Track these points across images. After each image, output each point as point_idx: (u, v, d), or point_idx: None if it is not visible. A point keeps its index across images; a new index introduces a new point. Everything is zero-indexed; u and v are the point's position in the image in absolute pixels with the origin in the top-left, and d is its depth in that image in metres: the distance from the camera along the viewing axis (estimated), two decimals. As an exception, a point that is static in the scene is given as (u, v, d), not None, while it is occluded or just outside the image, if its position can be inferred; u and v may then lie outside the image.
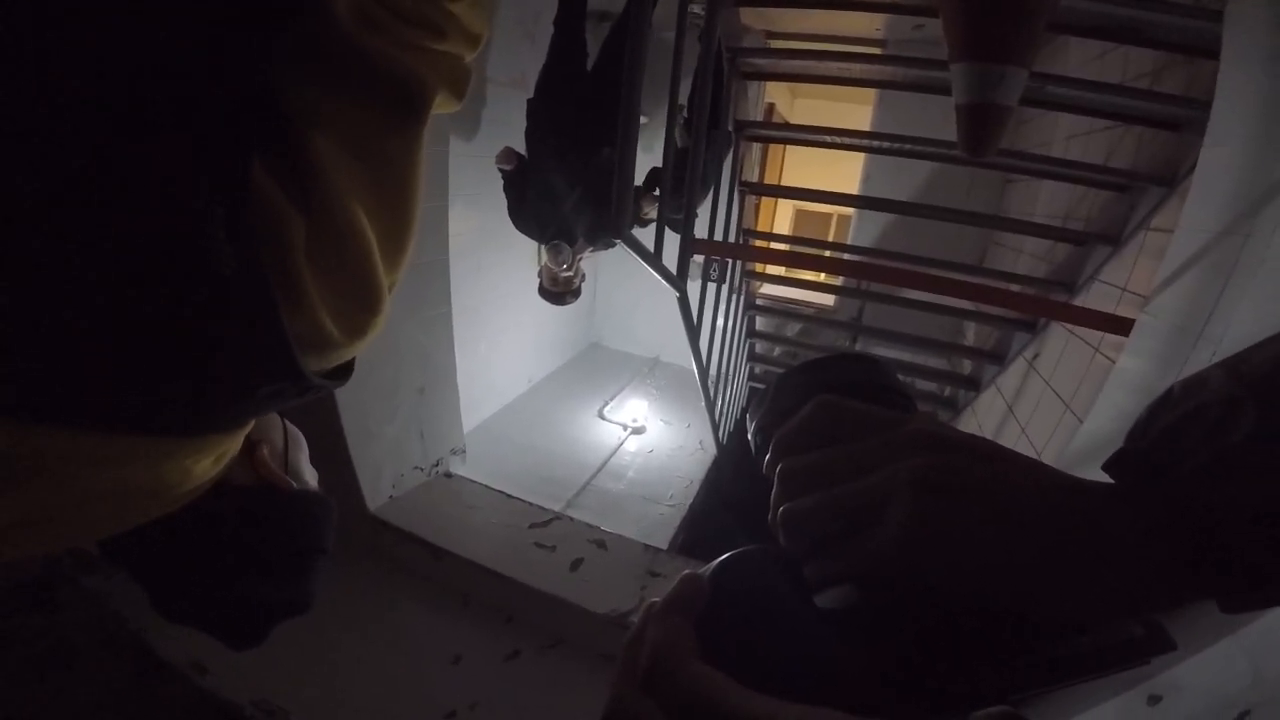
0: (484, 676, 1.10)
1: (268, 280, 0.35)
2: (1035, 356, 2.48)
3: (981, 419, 2.93)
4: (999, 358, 2.89)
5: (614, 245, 1.57)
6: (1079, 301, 2.22)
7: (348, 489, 1.34)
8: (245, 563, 0.56)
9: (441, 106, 0.48)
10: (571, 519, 1.42)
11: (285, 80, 0.36)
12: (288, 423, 0.66)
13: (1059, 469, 0.27)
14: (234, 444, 0.49)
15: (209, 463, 0.45)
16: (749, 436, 0.39)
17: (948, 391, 3.58)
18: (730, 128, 2.47)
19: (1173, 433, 0.25)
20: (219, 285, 0.33)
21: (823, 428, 0.31)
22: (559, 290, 2.86)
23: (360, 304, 0.43)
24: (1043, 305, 2.11)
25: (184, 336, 0.34)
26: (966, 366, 3.44)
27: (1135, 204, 2.02)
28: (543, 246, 2.75)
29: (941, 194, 3.79)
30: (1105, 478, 0.27)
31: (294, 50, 0.36)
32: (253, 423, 0.54)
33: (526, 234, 2.81)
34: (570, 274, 2.79)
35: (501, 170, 2.74)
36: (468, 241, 3.49)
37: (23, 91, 0.28)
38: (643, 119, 1.48)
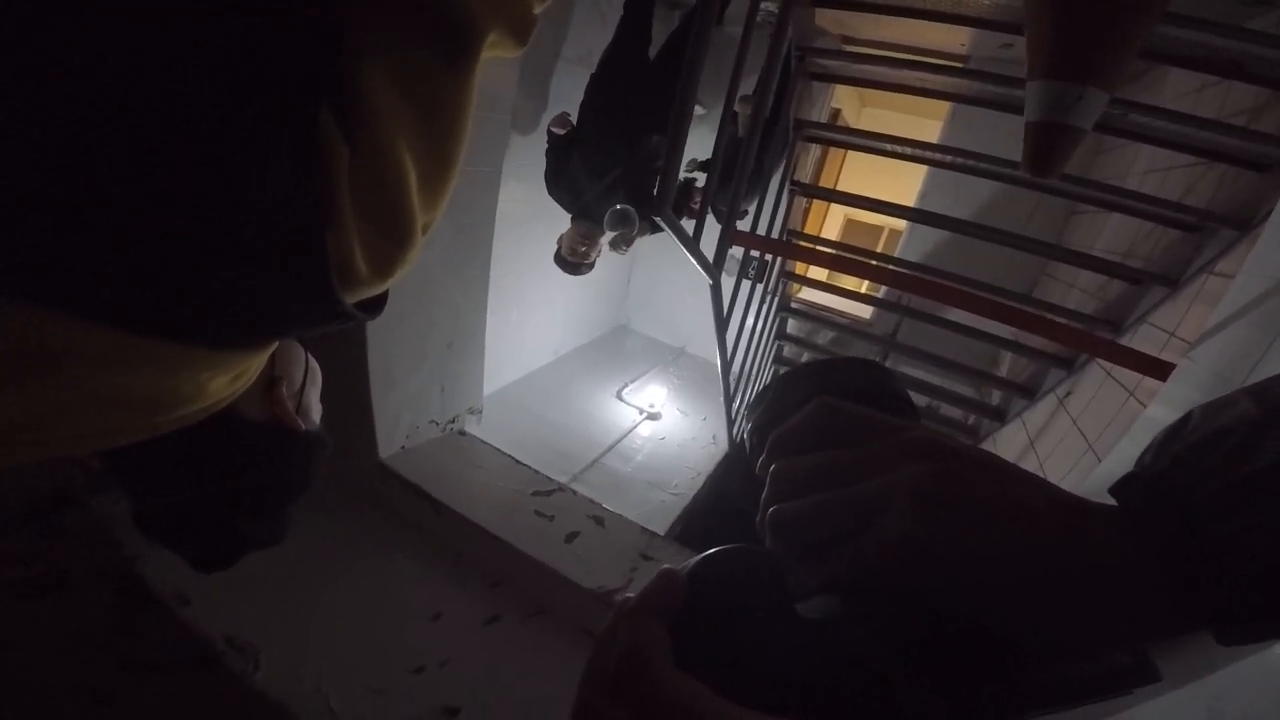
0: (460, 636, 1.10)
1: (316, 203, 0.36)
2: (1067, 395, 2.41)
3: (1000, 450, 2.87)
4: (1030, 392, 2.82)
5: (659, 230, 1.57)
6: (1124, 342, 2.15)
7: (362, 433, 1.35)
8: (236, 497, 0.57)
9: (499, 48, 0.47)
10: (574, 492, 1.42)
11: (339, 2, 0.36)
12: (310, 357, 0.65)
13: (1070, 491, 0.25)
14: (253, 365, 0.49)
15: (225, 380, 0.45)
16: (745, 435, 0.38)
17: (971, 420, 3.51)
18: (790, 126, 2.43)
19: (1190, 457, 0.24)
20: (270, 201, 0.34)
21: (821, 429, 0.30)
22: (575, 261, 2.90)
23: (392, 239, 0.43)
24: (1081, 339, 2.05)
25: (226, 244, 0.35)
26: (995, 397, 3.36)
27: (1202, 246, 1.94)
28: (573, 221, 2.80)
29: (1000, 219, 3.68)
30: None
31: None
32: (275, 347, 0.53)
33: (558, 201, 2.86)
34: (587, 248, 2.84)
35: (553, 134, 2.78)
36: (517, 211, 3.53)
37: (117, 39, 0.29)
38: (701, 110, 1.47)
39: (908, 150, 2.51)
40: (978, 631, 0.24)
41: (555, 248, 2.96)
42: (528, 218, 3.64)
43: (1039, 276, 3.96)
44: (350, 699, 0.95)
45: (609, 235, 2.71)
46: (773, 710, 0.22)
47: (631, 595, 0.27)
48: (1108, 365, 2.10)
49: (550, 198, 2.90)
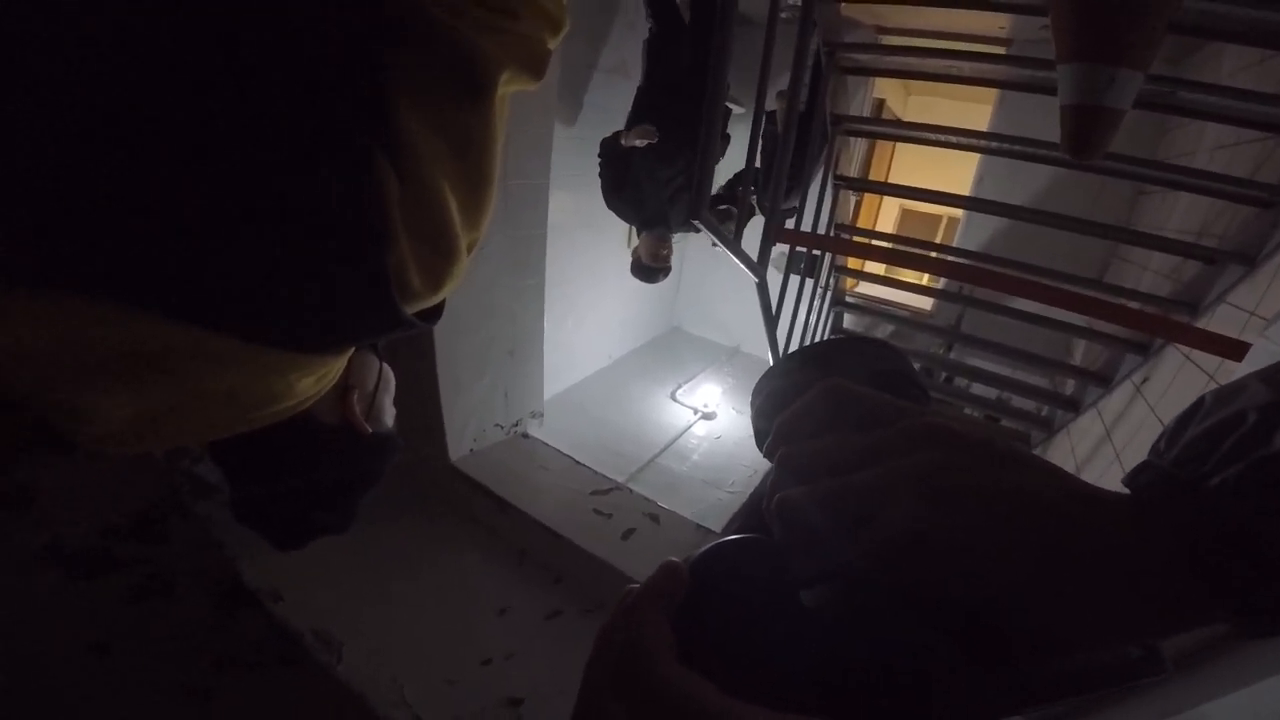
0: (525, 630, 1.14)
1: (376, 229, 0.43)
2: (1144, 381, 2.30)
3: (1075, 442, 2.75)
4: (1105, 380, 2.69)
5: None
6: (1201, 324, 2.04)
7: (434, 438, 1.42)
8: (311, 490, 0.64)
9: (517, 83, 0.52)
10: (631, 490, 1.47)
11: (382, 59, 0.43)
12: (384, 365, 0.71)
13: (1079, 477, 0.25)
14: (333, 369, 0.56)
15: (310, 381, 0.52)
16: (751, 421, 0.37)
17: (1045, 411, 3.37)
18: (828, 122, 2.41)
19: (1203, 443, 0.23)
20: (339, 227, 0.42)
21: (827, 414, 0.29)
22: (658, 266, 2.93)
23: (440, 256, 0.50)
24: (1152, 322, 1.95)
25: (310, 264, 0.42)
26: (1069, 386, 3.22)
27: (1279, 222, 1.83)
28: (643, 231, 2.82)
29: (1063, 203, 3.52)
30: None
31: (388, 34, 0.43)
32: (351, 352, 0.60)
33: (621, 214, 2.87)
34: (667, 251, 2.88)
35: (627, 147, 2.71)
36: (565, 220, 3.62)
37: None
38: (740, 109, 1.50)
39: (953, 139, 2.44)
40: (985, 623, 0.23)
41: (632, 258, 3.01)
42: (575, 226, 3.73)
43: (1109, 260, 3.77)
44: (423, 690, 0.99)
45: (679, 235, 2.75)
46: (776, 704, 0.22)
47: (635, 585, 0.27)
48: (1186, 349, 2.00)
49: (609, 210, 2.93)
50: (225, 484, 0.63)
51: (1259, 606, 0.20)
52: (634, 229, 2.97)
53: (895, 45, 2.30)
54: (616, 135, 2.75)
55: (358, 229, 0.43)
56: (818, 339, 3.22)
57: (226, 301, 0.41)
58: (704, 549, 0.28)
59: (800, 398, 0.30)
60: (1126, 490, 0.25)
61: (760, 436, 0.34)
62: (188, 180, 0.37)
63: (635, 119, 2.69)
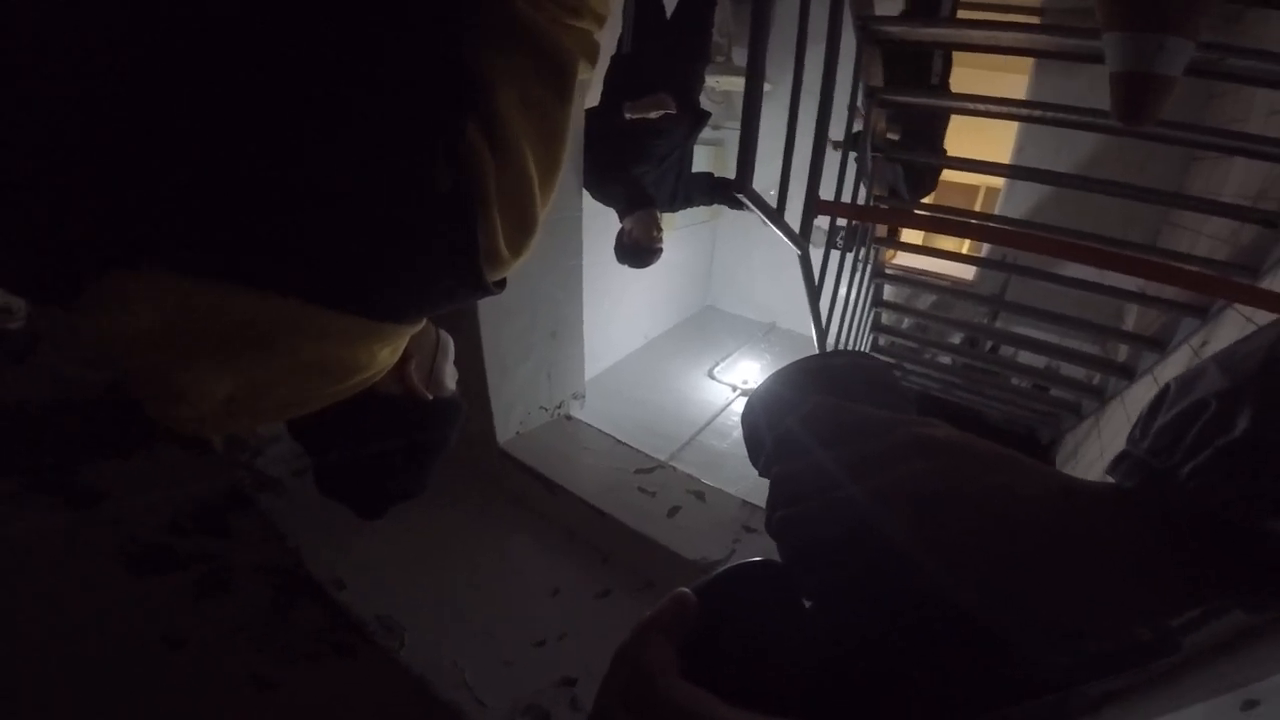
0: (576, 611, 1.16)
1: (473, 199, 0.47)
2: (1203, 345, 2.21)
3: (1130, 410, 2.66)
4: (1161, 345, 2.59)
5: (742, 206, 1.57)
6: (1264, 285, 1.94)
7: (482, 423, 1.45)
8: (384, 456, 0.67)
9: (580, 72, 0.56)
10: (674, 469, 1.47)
11: (479, 49, 0.47)
12: (441, 332, 0.74)
13: (1065, 472, 0.26)
14: (404, 339, 0.60)
15: (387, 352, 0.56)
16: (744, 440, 0.38)
17: (1096, 379, 3.26)
18: (861, 95, 2.33)
19: (1172, 430, 0.24)
20: (437, 198, 0.45)
21: (820, 430, 0.30)
22: (655, 248, 2.62)
23: (522, 229, 0.54)
24: (1214, 284, 1.87)
25: (403, 233, 0.45)
26: (1122, 353, 3.11)
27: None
28: (631, 213, 2.58)
29: (1108, 170, 3.40)
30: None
31: (485, 27, 0.47)
32: (421, 324, 0.63)
33: (607, 201, 2.59)
34: (660, 230, 2.61)
35: (621, 121, 2.41)
36: (596, 203, 3.59)
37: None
38: (767, 85, 1.47)
39: (991, 108, 2.35)
40: (985, 627, 0.24)
41: (622, 243, 2.68)
42: (606, 209, 3.72)
43: (1160, 226, 3.65)
44: (483, 672, 1.01)
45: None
46: (781, 714, 0.23)
47: (649, 612, 0.29)
48: (1247, 311, 1.91)
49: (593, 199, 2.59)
50: (307, 458, 0.67)
51: (1247, 585, 0.21)
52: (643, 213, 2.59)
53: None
54: (594, 112, 2.37)
55: (454, 199, 0.46)
56: (861, 311, 3.17)
57: (326, 274, 0.45)
58: (712, 575, 0.30)
59: (792, 416, 0.31)
60: (1110, 480, 0.26)
61: (754, 455, 0.36)
62: (301, 160, 0.40)
63: (626, 88, 2.42)
